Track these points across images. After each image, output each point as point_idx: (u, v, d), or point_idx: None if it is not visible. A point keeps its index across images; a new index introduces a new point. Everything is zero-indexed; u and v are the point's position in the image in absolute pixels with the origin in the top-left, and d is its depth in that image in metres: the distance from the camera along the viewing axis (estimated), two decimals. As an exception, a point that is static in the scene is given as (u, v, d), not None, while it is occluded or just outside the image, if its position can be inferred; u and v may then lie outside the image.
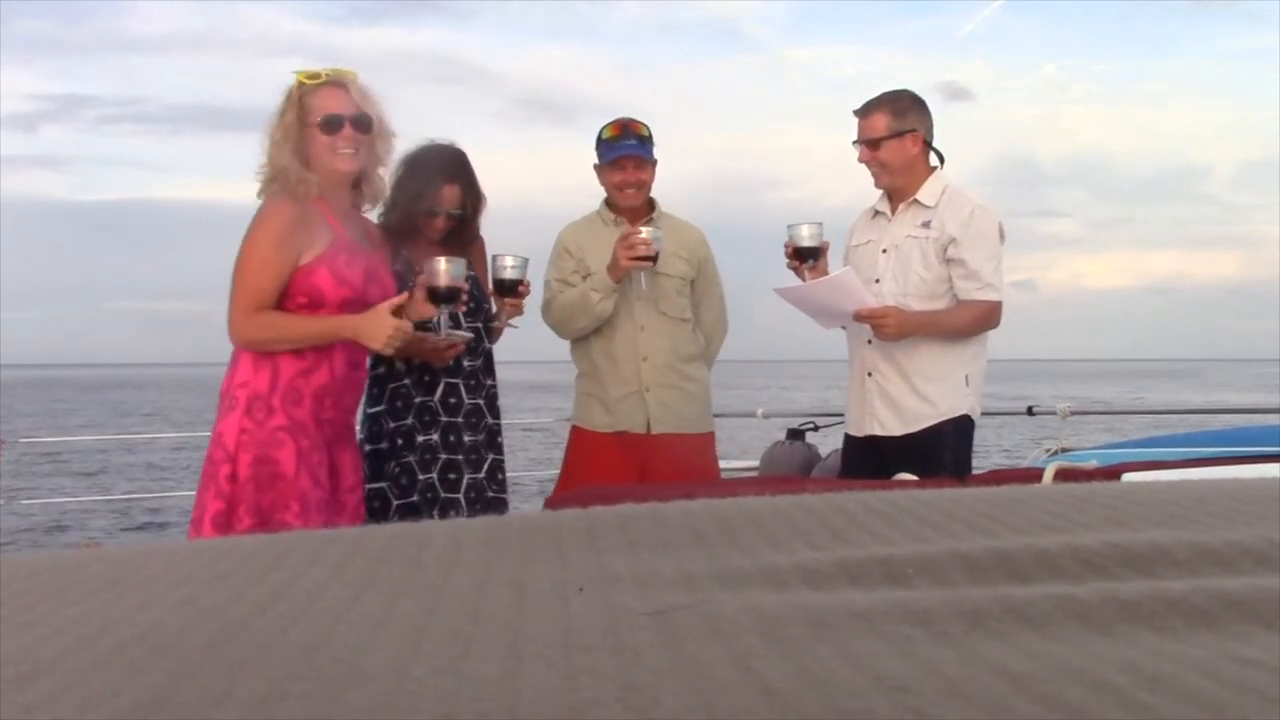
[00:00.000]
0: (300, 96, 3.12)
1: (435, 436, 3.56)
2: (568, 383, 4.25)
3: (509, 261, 3.68)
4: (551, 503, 3.54)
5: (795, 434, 5.77)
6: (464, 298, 3.31)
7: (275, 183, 3.11)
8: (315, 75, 3.16)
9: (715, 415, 4.41)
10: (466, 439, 3.61)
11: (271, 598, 0.76)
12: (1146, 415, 10.15)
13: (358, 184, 3.27)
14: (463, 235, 3.70)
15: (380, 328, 3.07)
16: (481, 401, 3.67)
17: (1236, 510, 0.93)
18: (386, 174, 3.36)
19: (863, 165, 3.84)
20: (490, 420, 3.70)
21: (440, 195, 3.60)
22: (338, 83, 3.17)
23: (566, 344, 4.16)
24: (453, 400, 3.60)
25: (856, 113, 3.82)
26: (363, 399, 3.48)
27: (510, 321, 3.77)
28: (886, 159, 3.76)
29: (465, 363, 3.62)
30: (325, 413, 3.16)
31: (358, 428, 3.50)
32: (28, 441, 8.65)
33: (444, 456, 3.57)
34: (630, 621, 0.66)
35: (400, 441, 3.54)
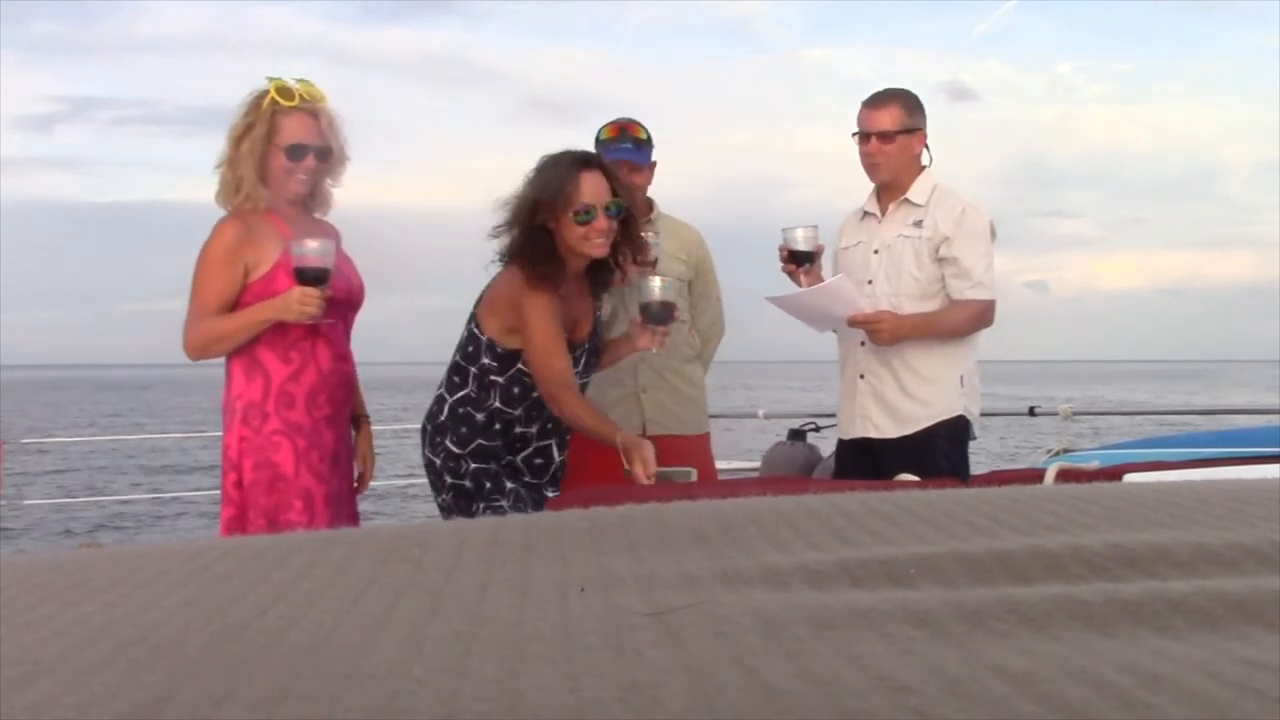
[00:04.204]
0: (273, 114, 3.20)
1: (521, 488, 3.45)
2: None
3: (657, 283, 3.34)
4: (552, 503, 3.54)
5: (796, 434, 5.77)
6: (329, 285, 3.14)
7: (236, 193, 3.20)
8: (289, 95, 3.22)
9: (716, 416, 4.40)
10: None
11: (272, 598, 0.76)
12: (1148, 416, 10.14)
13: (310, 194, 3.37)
14: (615, 261, 3.35)
15: (289, 299, 3.12)
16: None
17: (1238, 511, 0.93)
18: (335, 187, 3.40)
19: (858, 158, 3.80)
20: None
21: (579, 186, 3.20)
22: (310, 110, 3.25)
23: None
24: (539, 462, 3.48)
25: (868, 103, 3.75)
26: (449, 431, 3.37)
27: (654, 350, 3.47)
28: (895, 153, 3.72)
29: None
30: (320, 410, 3.26)
31: (434, 453, 3.40)
32: (28, 442, 8.66)
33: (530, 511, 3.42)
34: (631, 622, 0.66)
35: (488, 485, 3.38)
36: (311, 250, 3.14)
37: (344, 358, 3.34)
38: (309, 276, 3.13)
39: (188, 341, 3.23)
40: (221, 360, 3.28)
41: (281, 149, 3.21)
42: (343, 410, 3.36)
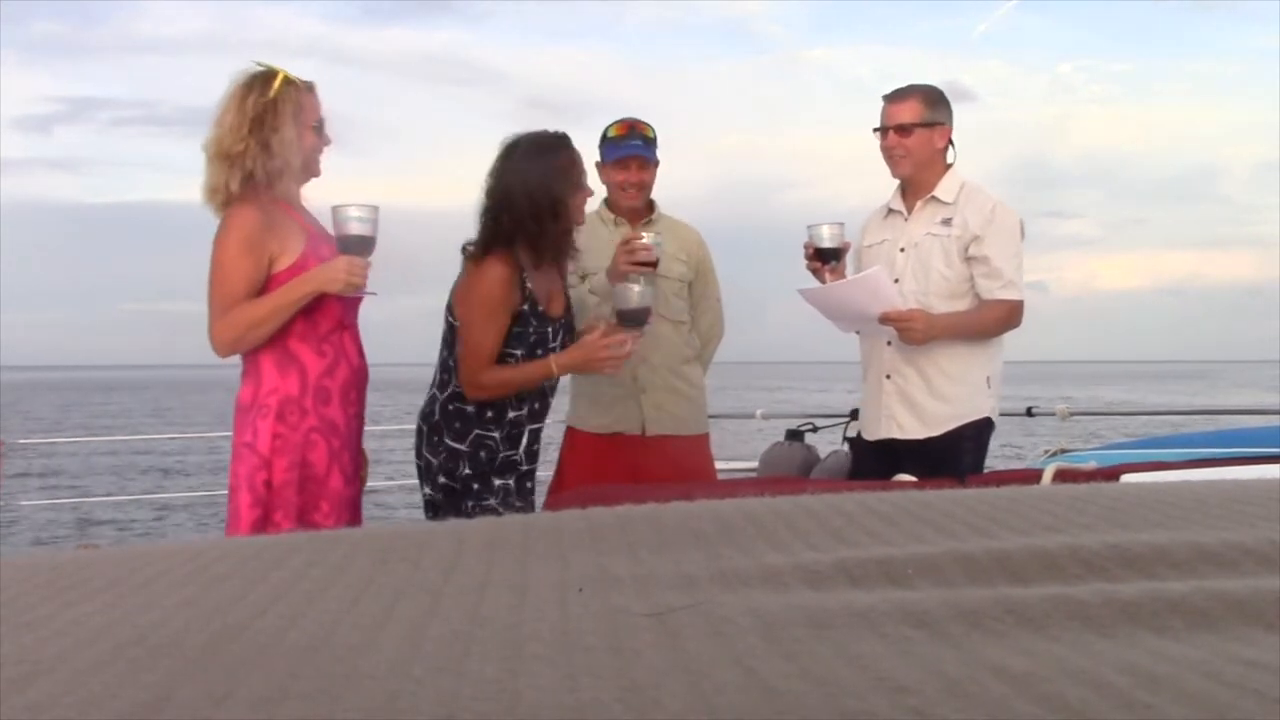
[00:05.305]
0: (298, 93, 3.10)
1: (512, 481, 3.50)
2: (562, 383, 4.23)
3: (635, 289, 3.46)
4: (551, 504, 3.53)
5: (794, 435, 5.76)
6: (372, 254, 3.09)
7: (224, 187, 3.03)
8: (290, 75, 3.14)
9: (713, 416, 4.39)
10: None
11: (272, 598, 0.76)
12: (1146, 416, 10.14)
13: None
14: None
15: (335, 268, 2.98)
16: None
17: (1236, 511, 0.93)
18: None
19: (879, 153, 3.73)
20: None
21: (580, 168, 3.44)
22: (312, 89, 3.17)
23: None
24: (535, 448, 3.53)
25: (888, 97, 3.72)
26: (442, 436, 3.41)
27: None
28: (914, 147, 3.66)
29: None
30: (351, 407, 3.19)
31: (428, 455, 3.45)
32: (28, 442, 8.65)
33: (517, 503, 3.47)
34: (630, 622, 0.66)
35: (477, 486, 3.43)
36: (354, 217, 2.96)
37: (363, 355, 3.28)
38: (353, 245, 2.96)
39: (216, 334, 3.03)
40: (234, 360, 3.12)
41: (312, 127, 3.11)
42: (363, 409, 3.29)
